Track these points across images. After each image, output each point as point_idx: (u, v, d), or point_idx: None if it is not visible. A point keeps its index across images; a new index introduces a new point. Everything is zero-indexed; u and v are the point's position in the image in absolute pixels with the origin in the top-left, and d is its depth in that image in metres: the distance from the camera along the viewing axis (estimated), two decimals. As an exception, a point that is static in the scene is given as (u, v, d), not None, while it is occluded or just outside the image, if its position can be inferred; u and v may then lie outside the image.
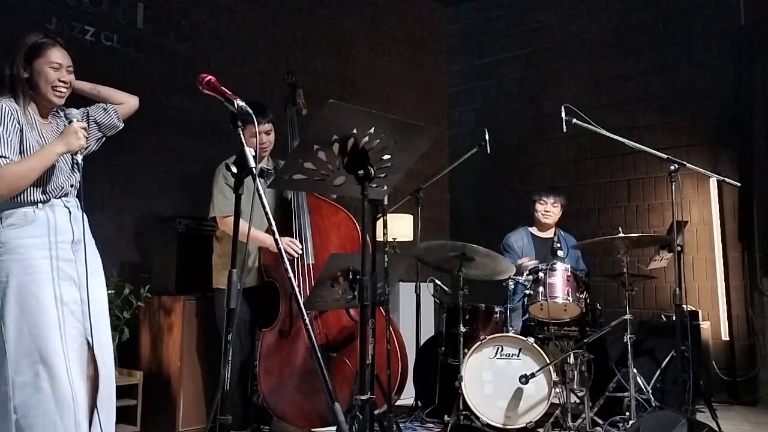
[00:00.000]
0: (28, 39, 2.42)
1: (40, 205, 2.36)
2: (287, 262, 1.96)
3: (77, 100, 2.61)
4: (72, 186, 2.46)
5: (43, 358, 2.25)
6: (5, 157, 2.27)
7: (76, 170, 2.45)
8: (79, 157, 2.43)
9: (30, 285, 2.28)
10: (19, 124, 2.33)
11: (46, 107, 2.47)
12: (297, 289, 1.92)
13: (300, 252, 3.51)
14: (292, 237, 3.55)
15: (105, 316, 2.53)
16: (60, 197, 2.41)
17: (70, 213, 2.43)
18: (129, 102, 2.73)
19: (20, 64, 2.38)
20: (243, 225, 2.06)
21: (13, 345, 2.24)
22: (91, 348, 2.39)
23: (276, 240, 1.92)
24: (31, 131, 2.38)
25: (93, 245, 2.53)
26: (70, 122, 2.42)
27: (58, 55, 2.42)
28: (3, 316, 2.26)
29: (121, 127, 2.71)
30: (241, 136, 2.03)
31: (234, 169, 1.99)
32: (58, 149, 2.36)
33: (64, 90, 2.45)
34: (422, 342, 4.47)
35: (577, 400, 3.69)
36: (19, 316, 2.25)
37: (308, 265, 3.54)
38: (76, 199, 2.50)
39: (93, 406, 2.39)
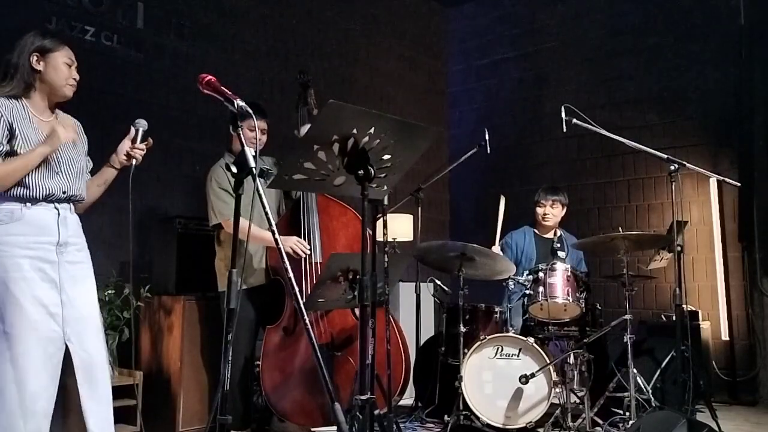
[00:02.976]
0: (36, 34, 2.39)
1: (28, 204, 2.30)
2: (288, 263, 1.96)
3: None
4: (64, 193, 2.38)
5: (13, 359, 2.18)
6: None
7: (67, 176, 2.41)
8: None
9: (9, 283, 2.22)
10: (8, 121, 2.28)
11: (52, 102, 2.44)
12: (297, 289, 1.92)
13: (308, 252, 3.51)
14: (301, 236, 3.54)
15: (94, 322, 2.43)
16: (51, 201, 2.35)
17: (59, 214, 2.37)
18: (88, 201, 2.60)
19: (33, 55, 2.35)
20: (243, 224, 2.05)
21: None
22: (69, 354, 2.29)
23: (276, 240, 1.92)
24: (29, 125, 2.33)
25: (85, 249, 2.48)
26: (137, 131, 2.54)
27: (69, 53, 2.44)
28: None
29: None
30: (242, 136, 2.03)
31: (234, 169, 1.99)
32: (43, 150, 2.31)
33: (74, 87, 2.46)
34: (422, 342, 4.47)
35: (577, 400, 3.68)
36: None
37: (316, 264, 3.54)
38: (70, 203, 2.43)
39: (65, 414, 2.32)
